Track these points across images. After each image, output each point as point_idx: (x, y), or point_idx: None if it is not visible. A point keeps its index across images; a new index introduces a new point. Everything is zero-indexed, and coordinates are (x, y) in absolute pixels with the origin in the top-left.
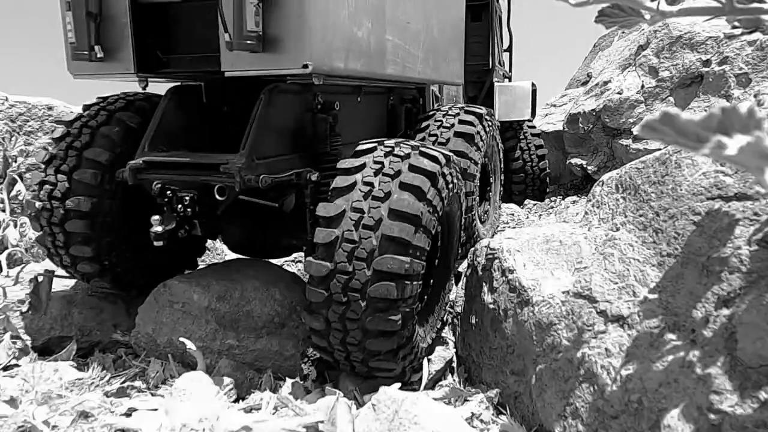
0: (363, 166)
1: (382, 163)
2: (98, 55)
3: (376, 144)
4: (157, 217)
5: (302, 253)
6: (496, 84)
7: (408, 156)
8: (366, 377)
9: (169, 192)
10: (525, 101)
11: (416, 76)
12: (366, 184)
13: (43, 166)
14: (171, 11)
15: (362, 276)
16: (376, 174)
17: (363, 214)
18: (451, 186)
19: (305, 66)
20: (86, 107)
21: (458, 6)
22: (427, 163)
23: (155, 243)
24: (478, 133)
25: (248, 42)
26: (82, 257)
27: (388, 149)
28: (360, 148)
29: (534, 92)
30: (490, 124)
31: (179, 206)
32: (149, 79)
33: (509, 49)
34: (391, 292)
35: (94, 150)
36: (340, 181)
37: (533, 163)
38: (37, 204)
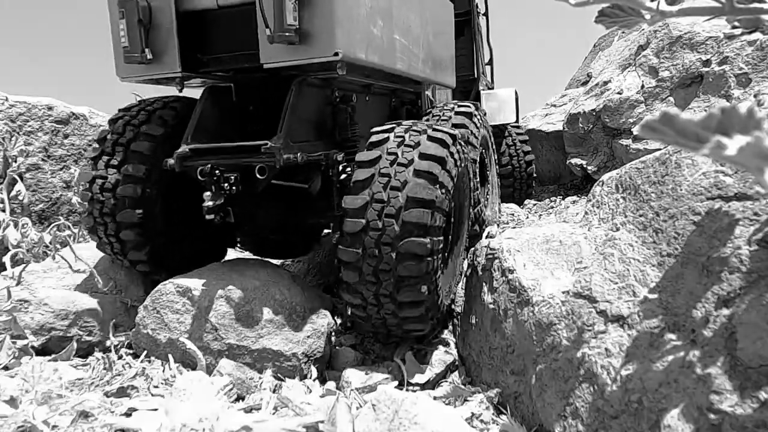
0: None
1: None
2: (148, 57)
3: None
4: (208, 193)
5: (300, 256)
6: (482, 92)
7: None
8: (401, 337)
9: (217, 172)
10: (510, 105)
11: (419, 74)
12: (396, 139)
13: (92, 162)
14: (208, 17)
15: (392, 231)
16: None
17: (389, 178)
18: (459, 160)
19: (336, 54)
20: (125, 108)
21: (448, 17)
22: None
23: (207, 216)
24: (473, 122)
25: (287, 35)
26: (131, 241)
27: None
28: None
29: (516, 98)
30: (480, 118)
31: (225, 185)
32: (186, 83)
33: (490, 63)
34: (421, 242)
35: (140, 144)
36: (366, 153)
37: (521, 168)
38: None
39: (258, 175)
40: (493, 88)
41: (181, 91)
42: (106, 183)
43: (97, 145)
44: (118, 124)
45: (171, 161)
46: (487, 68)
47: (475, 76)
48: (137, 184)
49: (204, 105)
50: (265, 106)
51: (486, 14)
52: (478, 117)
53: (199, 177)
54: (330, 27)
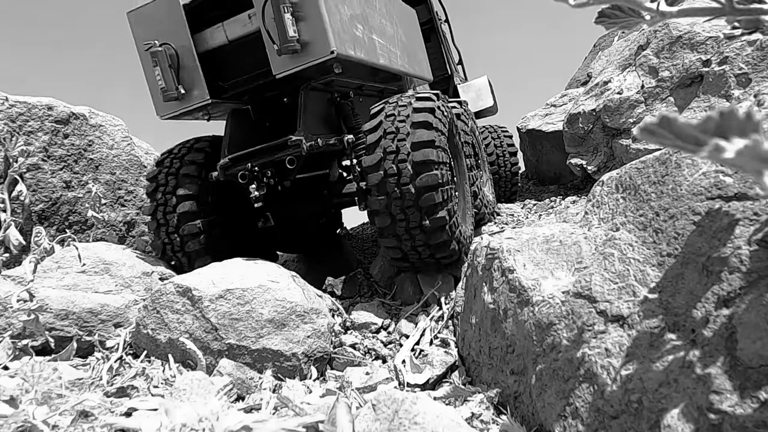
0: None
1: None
2: (182, 92)
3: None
4: (254, 185)
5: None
6: (458, 86)
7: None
8: (434, 265)
9: (255, 170)
10: (485, 91)
11: (399, 68)
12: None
13: (150, 195)
14: (222, 51)
15: (407, 172)
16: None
17: (394, 133)
18: (446, 113)
19: (332, 52)
20: (166, 151)
21: (413, 20)
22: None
23: (255, 204)
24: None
25: (291, 45)
26: (196, 251)
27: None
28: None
29: (490, 84)
30: (462, 112)
31: (264, 179)
32: (211, 113)
33: (461, 62)
34: (432, 174)
35: (187, 167)
36: (370, 123)
37: (507, 167)
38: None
39: (288, 166)
40: (464, 79)
41: (208, 120)
42: (167, 207)
43: (149, 182)
44: (164, 161)
45: (215, 173)
46: (459, 67)
47: (449, 73)
48: (192, 200)
49: (231, 125)
50: (278, 119)
51: (447, 21)
52: (443, 102)
53: (240, 180)
54: (323, 32)
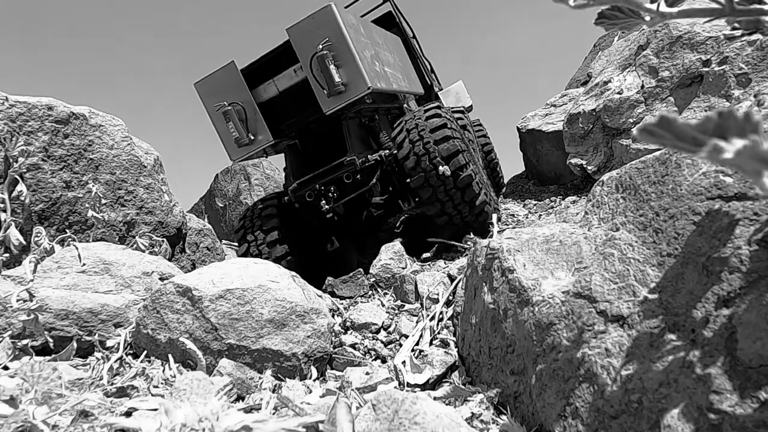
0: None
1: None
2: (251, 138)
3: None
4: (323, 201)
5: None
6: (439, 93)
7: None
8: (474, 220)
9: (323, 189)
10: (463, 93)
11: (404, 89)
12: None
13: (241, 236)
14: (276, 100)
15: (432, 149)
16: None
17: (416, 127)
18: (453, 120)
19: (369, 87)
20: (243, 211)
21: (399, 44)
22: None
23: (327, 216)
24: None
25: (337, 88)
26: (277, 258)
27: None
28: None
29: (465, 86)
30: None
31: (329, 195)
32: (269, 151)
33: (433, 71)
34: (451, 143)
35: (266, 210)
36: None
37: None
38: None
39: (345, 181)
40: (442, 89)
41: (266, 157)
42: (257, 240)
43: (238, 226)
44: (246, 212)
45: (286, 197)
46: (433, 75)
47: (429, 83)
48: (275, 231)
49: (290, 158)
50: (319, 146)
51: (415, 37)
52: (444, 108)
53: (307, 199)
54: (359, 74)
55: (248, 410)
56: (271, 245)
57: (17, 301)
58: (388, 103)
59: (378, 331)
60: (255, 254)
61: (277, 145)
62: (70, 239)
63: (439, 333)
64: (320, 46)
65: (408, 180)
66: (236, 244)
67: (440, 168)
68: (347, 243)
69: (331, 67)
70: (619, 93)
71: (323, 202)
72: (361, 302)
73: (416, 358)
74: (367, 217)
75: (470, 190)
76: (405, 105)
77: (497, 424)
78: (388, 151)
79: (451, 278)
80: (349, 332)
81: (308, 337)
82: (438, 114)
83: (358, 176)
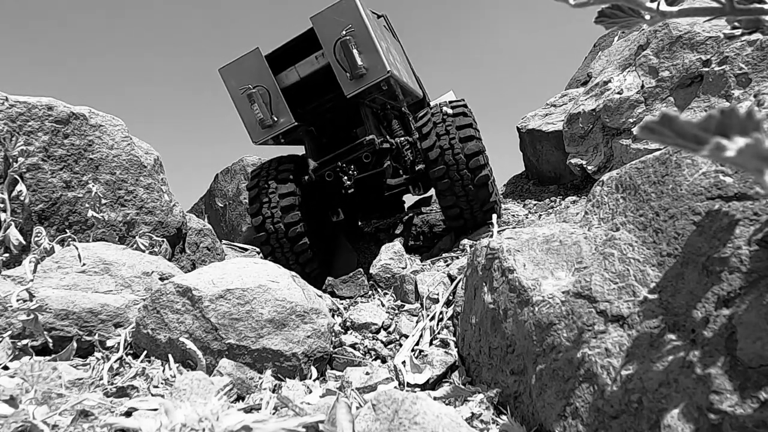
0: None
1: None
2: (274, 119)
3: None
4: (346, 177)
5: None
6: (429, 102)
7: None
8: (482, 217)
9: (344, 166)
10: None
11: (408, 85)
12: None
13: (254, 196)
14: (298, 85)
15: (456, 143)
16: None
17: (442, 121)
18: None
19: (388, 72)
20: (257, 167)
21: (401, 51)
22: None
23: (349, 192)
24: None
25: (359, 72)
26: (296, 236)
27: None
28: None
29: (454, 94)
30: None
31: (350, 172)
32: (287, 136)
33: (422, 85)
34: (478, 153)
35: (283, 168)
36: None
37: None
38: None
39: (365, 161)
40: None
41: (282, 143)
42: (271, 203)
43: (251, 184)
44: (261, 171)
45: (306, 177)
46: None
47: (423, 92)
48: (290, 196)
49: (308, 141)
50: (336, 131)
51: (403, 48)
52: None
53: (327, 178)
54: (379, 59)
55: (248, 410)
56: (285, 210)
57: (17, 301)
58: (392, 101)
59: (378, 331)
60: (267, 216)
61: (295, 131)
62: (70, 239)
63: (439, 333)
64: (344, 32)
65: (429, 170)
66: (247, 201)
67: (464, 173)
68: (353, 216)
69: (354, 51)
70: (619, 93)
71: (345, 178)
72: (361, 302)
73: (416, 358)
74: (376, 196)
75: (484, 190)
76: (403, 108)
77: (497, 424)
78: (403, 138)
79: (451, 278)
80: (349, 332)
81: (308, 337)
82: (465, 113)
83: (375, 157)
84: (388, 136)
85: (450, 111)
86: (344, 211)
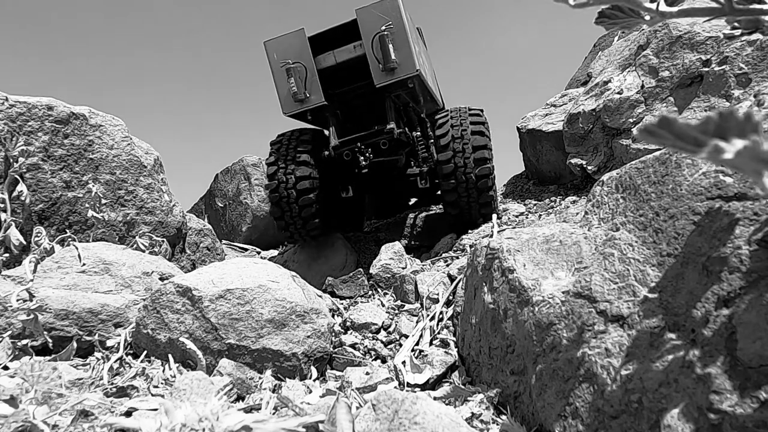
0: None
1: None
2: (307, 95)
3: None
4: (362, 157)
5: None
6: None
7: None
8: (482, 218)
9: (362, 147)
10: None
11: (434, 92)
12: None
13: (272, 164)
14: (333, 69)
15: (468, 148)
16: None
17: (459, 126)
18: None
19: (417, 70)
20: (278, 136)
21: (430, 61)
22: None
23: (364, 171)
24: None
25: (391, 65)
26: (309, 206)
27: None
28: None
29: None
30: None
31: (366, 154)
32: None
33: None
34: (482, 141)
35: (302, 143)
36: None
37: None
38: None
39: (382, 147)
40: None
41: (309, 121)
42: (287, 172)
43: (270, 155)
44: (283, 138)
45: (326, 152)
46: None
47: (442, 103)
48: (305, 166)
49: (334, 121)
50: (360, 117)
51: None
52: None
53: (344, 158)
54: (411, 57)
55: (248, 410)
56: (299, 180)
57: (17, 301)
58: (414, 102)
59: (378, 331)
60: (281, 181)
61: (322, 111)
62: (70, 239)
63: (439, 333)
64: (383, 27)
65: (440, 166)
66: (265, 164)
67: (470, 177)
68: (361, 195)
69: (390, 46)
70: (619, 93)
71: (362, 159)
72: (361, 302)
73: (416, 358)
74: (386, 183)
75: (486, 195)
76: (422, 114)
77: (497, 424)
78: (419, 134)
79: (451, 278)
80: (349, 332)
81: (308, 337)
82: (482, 131)
83: (391, 145)
84: (407, 130)
85: (468, 117)
86: (354, 191)
